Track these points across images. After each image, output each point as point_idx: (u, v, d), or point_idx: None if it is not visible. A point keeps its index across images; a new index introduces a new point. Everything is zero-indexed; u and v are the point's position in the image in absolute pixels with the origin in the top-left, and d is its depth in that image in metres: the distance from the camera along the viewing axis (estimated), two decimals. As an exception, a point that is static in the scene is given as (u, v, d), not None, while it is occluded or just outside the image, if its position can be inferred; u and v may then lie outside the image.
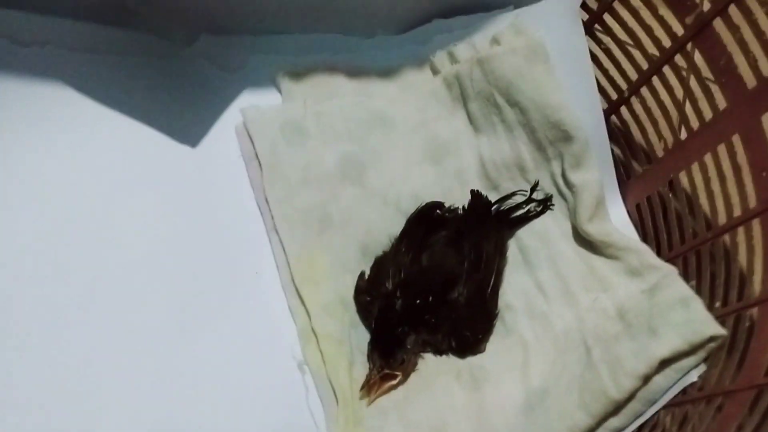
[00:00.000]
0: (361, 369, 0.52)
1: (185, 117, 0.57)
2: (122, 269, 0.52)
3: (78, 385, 0.47)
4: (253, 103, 0.58)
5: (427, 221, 0.57)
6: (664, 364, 0.48)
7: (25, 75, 0.52)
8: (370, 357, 0.51)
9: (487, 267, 0.54)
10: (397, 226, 0.57)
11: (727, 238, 0.50)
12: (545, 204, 0.58)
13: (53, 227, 0.51)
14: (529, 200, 0.58)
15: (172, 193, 0.55)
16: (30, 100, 0.52)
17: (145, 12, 0.56)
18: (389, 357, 0.50)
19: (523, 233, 0.58)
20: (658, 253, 0.55)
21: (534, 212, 0.58)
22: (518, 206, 0.58)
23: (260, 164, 0.56)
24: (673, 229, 0.55)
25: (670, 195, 0.56)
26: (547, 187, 0.58)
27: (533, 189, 0.58)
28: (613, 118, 0.61)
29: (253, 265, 0.54)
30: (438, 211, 0.57)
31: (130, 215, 0.53)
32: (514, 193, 0.58)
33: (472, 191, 0.58)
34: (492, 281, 0.54)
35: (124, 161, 0.54)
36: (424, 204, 0.57)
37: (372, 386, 0.50)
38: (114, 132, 0.54)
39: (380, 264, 0.55)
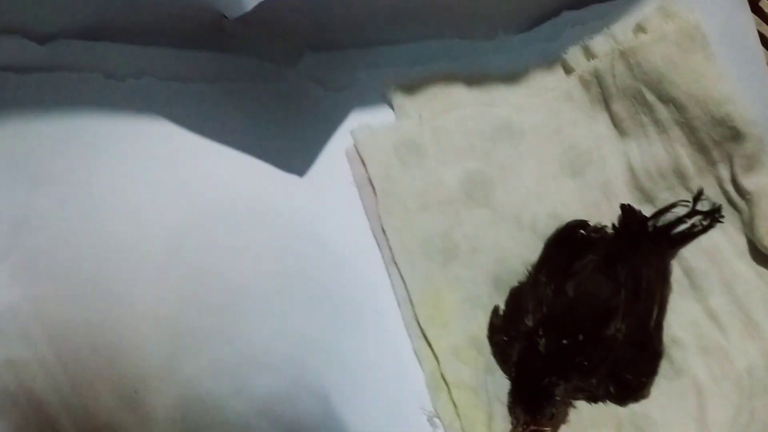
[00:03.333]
0: (502, 422, 0.45)
1: (291, 144, 0.52)
2: (233, 310, 0.47)
3: None
4: (363, 123, 0.53)
5: (571, 244, 0.49)
6: None
7: (122, 110, 0.49)
8: (512, 410, 0.44)
9: (648, 296, 0.46)
10: (534, 252, 0.49)
11: None
12: (713, 216, 0.49)
13: (157, 270, 0.47)
14: (693, 212, 0.49)
15: (280, 227, 0.50)
16: (128, 136, 0.49)
17: (245, 33, 0.52)
18: (535, 411, 0.43)
19: (688, 253, 0.49)
20: None
21: (700, 227, 0.49)
22: (680, 220, 0.49)
23: (374, 190, 0.50)
24: None
25: None
26: (713, 196, 0.49)
27: (697, 198, 0.49)
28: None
29: (372, 303, 0.48)
30: (582, 231, 0.49)
31: (238, 254, 0.49)
32: (673, 205, 0.49)
33: (622, 206, 0.50)
34: (655, 313, 0.46)
35: (228, 196, 0.50)
36: (564, 224, 0.49)
37: None
38: (216, 165, 0.50)
39: (517, 297, 0.48)
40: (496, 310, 0.48)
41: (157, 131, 0.50)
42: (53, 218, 0.46)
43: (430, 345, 0.46)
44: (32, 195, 0.45)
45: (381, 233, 0.50)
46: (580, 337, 0.45)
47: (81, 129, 0.47)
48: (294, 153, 0.52)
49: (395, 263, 0.49)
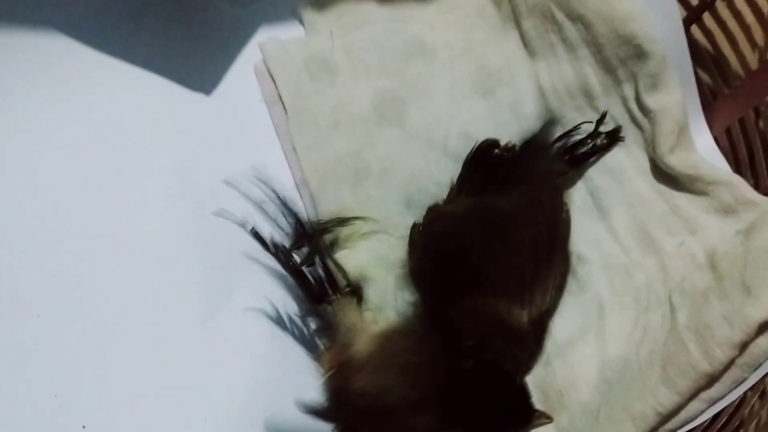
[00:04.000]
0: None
1: (197, 61, 0.50)
2: (140, 233, 0.46)
3: (94, 369, 0.43)
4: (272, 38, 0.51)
5: (486, 163, 0.48)
6: (766, 327, 0.40)
7: (18, 24, 0.46)
8: None
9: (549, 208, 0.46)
10: (445, 172, 0.49)
11: None
12: (614, 135, 0.49)
13: (55, 188, 0.46)
14: (596, 133, 0.50)
15: (187, 146, 0.49)
16: (25, 51, 0.46)
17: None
18: None
19: (594, 172, 0.50)
20: (756, 186, 0.47)
21: (602, 145, 0.50)
22: (583, 141, 0.50)
23: (285, 108, 0.49)
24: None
25: (770, 115, 0.47)
26: (618, 114, 0.50)
27: (601, 120, 0.49)
28: (694, 28, 0.52)
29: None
30: (496, 150, 0.49)
31: (142, 173, 0.48)
32: (577, 127, 0.50)
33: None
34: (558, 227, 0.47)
35: (131, 114, 0.48)
36: (478, 144, 0.49)
37: None
38: (118, 82, 0.48)
39: (435, 215, 0.47)
40: (415, 226, 0.47)
41: (55, 46, 0.47)
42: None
43: (338, 267, 0.46)
44: None
45: (291, 153, 0.49)
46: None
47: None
48: (200, 71, 0.50)
49: (306, 184, 0.48)
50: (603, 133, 0.50)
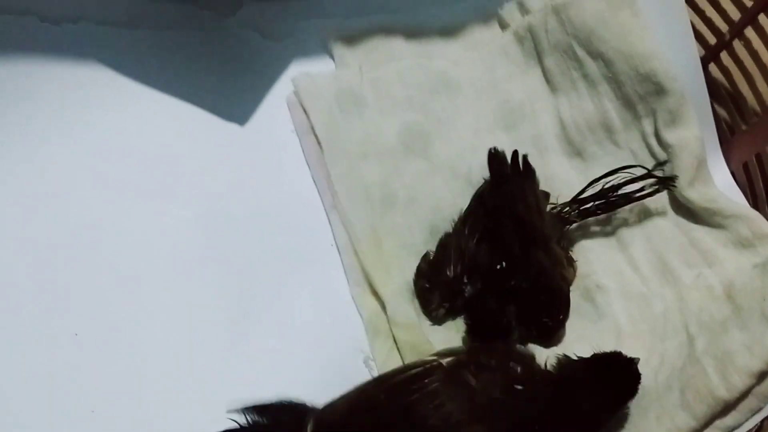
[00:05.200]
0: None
1: (232, 93, 0.52)
2: (173, 258, 0.48)
3: (131, 385, 0.44)
4: (304, 72, 0.53)
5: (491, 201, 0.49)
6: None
7: (58, 54, 0.48)
8: None
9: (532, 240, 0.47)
10: (467, 202, 0.50)
11: None
12: (668, 182, 0.49)
13: (93, 211, 0.47)
14: (648, 176, 0.49)
15: (222, 174, 0.50)
16: (65, 82, 0.48)
17: (184, -20, 0.52)
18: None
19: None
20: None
21: (648, 192, 0.49)
22: (627, 183, 0.49)
23: (317, 138, 0.51)
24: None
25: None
26: (638, 148, 0.51)
27: (658, 166, 0.49)
28: (712, 66, 0.53)
29: (313, 250, 0.49)
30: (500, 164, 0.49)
31: (179, 201, 0.49)
32: (619, 170, 0.49)
33: (489, 151, 0.49)
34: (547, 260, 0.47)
35: (168, 143, 0.50)
36: (489, 154, 0.49)
37: None
38: (155, 112, 0.50)
39: (444, 247, 0.48)
40: (425, 256, 0.49)
41: (93, 77, 0.49)
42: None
43: (374, 289, 0.47)
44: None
45: (321, 180, 0.50)
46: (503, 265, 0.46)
47: (15, 73, 0.47)
48: (235, 102, 0.52)
49: (338, 209, 0.49)
50: (655, 177, 0.49)
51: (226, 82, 0.53)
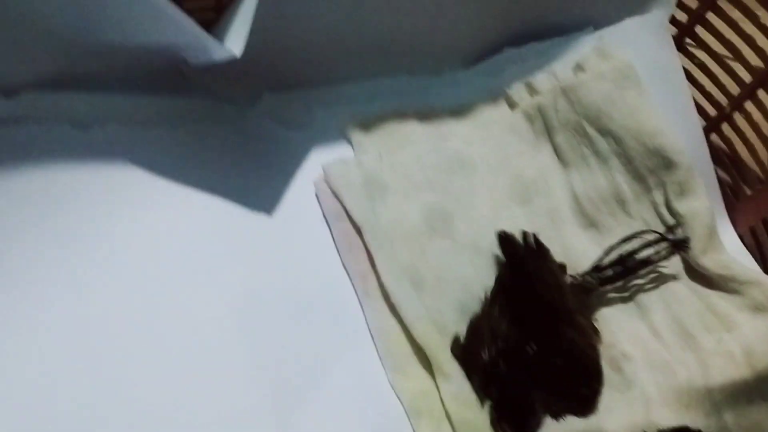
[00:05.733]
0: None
1: (256, 183, 0.53)
2: (206, 352, 0.48)
3: None
4: (323, 160, 0.54)
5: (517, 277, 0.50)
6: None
7: (91, 159, 0.49)
8: (498, 427, 0.46)
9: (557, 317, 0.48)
10: (493, 278, 0.52)
11: None
12: (682, 245, 0.51)
13: (130, 312, 0.47)
14: (662, 239, 0.52)
15: (252, 265, 0.51)
16: (97, 184, 0.49)
17: (203, 77, 0.53)
18: (522, 427, 0.46)
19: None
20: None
21: (663, 255, 0.52)
22: (642, 248, 0.52)
23: (353, 222, 0.52)
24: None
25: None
26: (650, 218, 0.54)
27: (670, 230, 0.52)
28: (714, 136, 0.56)
29: (348, 337, 0.50)
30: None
31: (211, 294, 0.49)
32: (630, 238, 0.52)
33: (499, 235, 0.51)
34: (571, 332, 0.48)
35: (198, 237, 0.51)
36: (500, 238, 0.51)
37: None
38: (185, 207, 0.51)
39: (474, 329, 0.49)
40: (456, 340, 0.49)
41: (122, 178, 0.50)
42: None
43: (413, 372, 0.48)
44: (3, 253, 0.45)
45: (353, 267, 0.51)
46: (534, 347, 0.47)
47: (50, 180, 0.47)
48: (260, 192, 0.53)
49: (383, 292, 0.50)
50: (669, 240, 0.51)
51: (250, 173, 0.54)
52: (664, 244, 0.51)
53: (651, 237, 0.52)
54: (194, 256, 0.50)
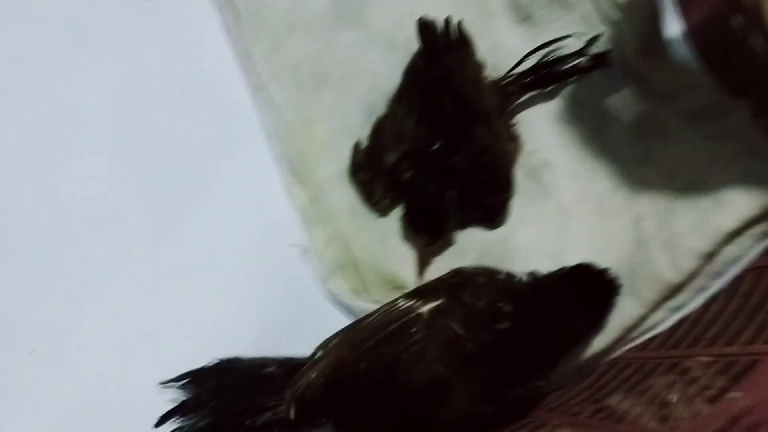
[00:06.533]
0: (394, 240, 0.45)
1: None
2: (84, 140, 0.44)
3: (54, 295, 0.41)
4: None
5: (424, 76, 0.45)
6: (734, 235, 0.40)
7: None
8: (412, 238, 0.44)
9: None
10: (403, 77, 0.46)
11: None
12: (602, 60, 0.46)
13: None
14: (584, 51, 0.46)
15: (134, 49, 0.45)
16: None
17: None
18: (437, 233, 0.43)
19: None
20: (728, 87, 0.46)
21: (584, 67, 0.47)
22: (564, 60, 0.47)
23: (238, 9, 0.46)
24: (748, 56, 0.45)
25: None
26: (589, 12, 0.47)
27: (591, 42, 0.47)
28: None
29: (239, 135, 0.45)
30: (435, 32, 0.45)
31: (87, 78, 0.44)
32: (558, 39, 0.47)
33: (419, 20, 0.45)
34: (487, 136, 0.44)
35: (70, 16, 0.45)
36: (417, 25, 0.45)
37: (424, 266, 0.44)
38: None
39: (378, 132, 0.45)
40: (357, 145, 0.45)
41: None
42: None
43: (309, 176, 0.44)
44: None
45: (245, 58, 0.45)
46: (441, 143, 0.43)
47: None
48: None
49: (265, 90, 0.45)
50: (589, 55, 0.47)
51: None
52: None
53: (579, 42, 0.46)
54: (69, 36, 0.44)
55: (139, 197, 0.43)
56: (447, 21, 0.44)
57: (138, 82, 0.44)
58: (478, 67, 0.45)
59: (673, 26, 0.48)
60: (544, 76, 0.46)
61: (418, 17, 0.46)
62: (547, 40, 0.47)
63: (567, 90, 0.48)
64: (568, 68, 0.46)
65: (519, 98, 0.47)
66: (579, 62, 0.46)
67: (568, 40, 0.47)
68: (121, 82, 0.44)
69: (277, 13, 0.46)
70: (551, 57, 0.46)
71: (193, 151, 0.44)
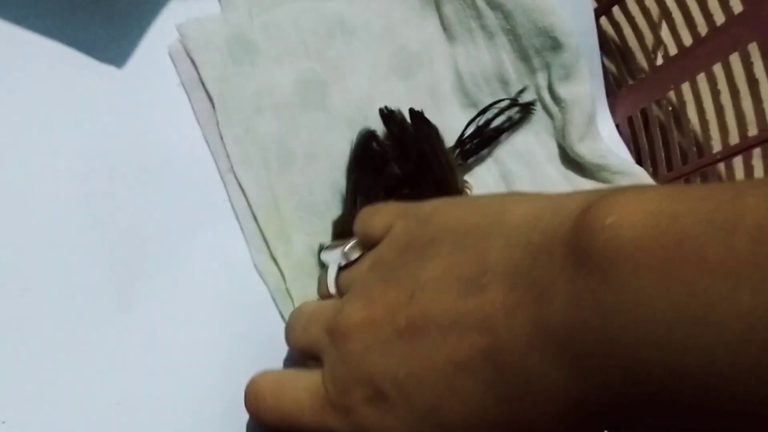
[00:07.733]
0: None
1: (107, 38, 0.47)
2: (49, 218, 0.43)
3: (24, 364, 0.40)
4: (189, 16, 0.48)
5: (372, 162, 0.47)
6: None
7: None
8: None
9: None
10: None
11: (739, 159, 0.45)
12: (527, 108, 0.51)
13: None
14: (512, 105, 0.51)
15: (99, 125, 0.46)
16: None
17: None
18: None
19: (506, 156, 0.52)
20: (654, 175, 0.51)
21: (515, 121, 0.51)
22: (495, 118, 0.51)
23: (208, 94, 0.47)
24: (674, 147, 0.50)
25: (670, 109, 0.50)
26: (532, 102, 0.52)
27: (519, 93, 0.51)
28: (603, 19, 0.54)
29: (208, 214, 0.46)
30: (374, 144, 0.47)
31: (49, 157, 0.44)
32: (492, 105, 0.51)
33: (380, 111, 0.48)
34: None
35: (38, 91, 0.45)
36: (356, 144, 0.47)
37: None
38: (23, 57, 0.45)
39: (342, 223, 0.46)
40: (321, 246, 0.45)
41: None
42: None
43: (275, 261, 0.45)
44: None
45: (214, 140, 0.47)
46: None
47: None
48: (110, 48, 0.47)
49: (234, 173, 0.46)
50: (519, 104, 0.51)
51: (102, 21, 0.47)
52: (515, 109, 0.51)
53: (504, 105, 0.51)
54: (32, 113, 0.45)
55: (101, 272, 0.43)
56: (412, 111, 0.47)
57: (106, 156, 0.44)
58: (448, 151, 0.48)
59: (605, 116, 0.54)
60: (479, 141, 0.50)
61: (376, 99, 0.49)
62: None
63: (508, 167, 0.51)
64: (498, 125, 0.51)
65: (465, 167, 0.51)
66: (509, 117, 0.51)
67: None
68: (91, 156, 0.44)
69: (246, 97, 0.47)
70: (482, 121, 0.51)
71: (162, 227, 0.44)
